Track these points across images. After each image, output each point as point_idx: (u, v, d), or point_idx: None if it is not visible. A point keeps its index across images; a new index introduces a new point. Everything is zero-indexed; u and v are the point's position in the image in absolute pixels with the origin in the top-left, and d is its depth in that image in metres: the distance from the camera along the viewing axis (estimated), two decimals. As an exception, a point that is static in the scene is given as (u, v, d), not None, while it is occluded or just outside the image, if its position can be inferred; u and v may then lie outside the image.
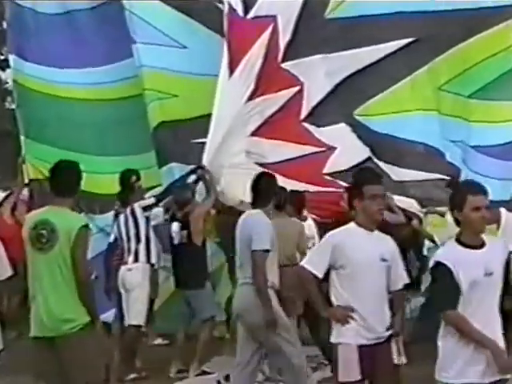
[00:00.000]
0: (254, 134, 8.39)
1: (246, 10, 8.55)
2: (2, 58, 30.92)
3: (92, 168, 9.31)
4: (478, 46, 8.45)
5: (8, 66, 23.80)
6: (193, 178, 8.38)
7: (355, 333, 4.83)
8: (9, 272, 5.49)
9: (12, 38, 10.31)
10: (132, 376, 7.70)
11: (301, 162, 8.39)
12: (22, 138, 10.19)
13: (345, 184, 7.94)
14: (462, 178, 8.14)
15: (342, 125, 8.48)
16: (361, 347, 4.79)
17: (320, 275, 4.90)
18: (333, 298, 4.90)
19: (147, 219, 7.88)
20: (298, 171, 8.34)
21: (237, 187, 8.10)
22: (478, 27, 8.39)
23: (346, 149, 8.40)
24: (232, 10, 8.52)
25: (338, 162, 8.35)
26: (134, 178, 8.12)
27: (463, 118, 8.52)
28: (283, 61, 8.49)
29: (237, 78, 8.37)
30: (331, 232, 5.05)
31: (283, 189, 7.77)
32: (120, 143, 9.80)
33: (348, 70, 8.48)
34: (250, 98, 8.38)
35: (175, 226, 8.00)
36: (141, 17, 9.26)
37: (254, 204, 6.41)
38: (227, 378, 7.63)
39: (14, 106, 11.50)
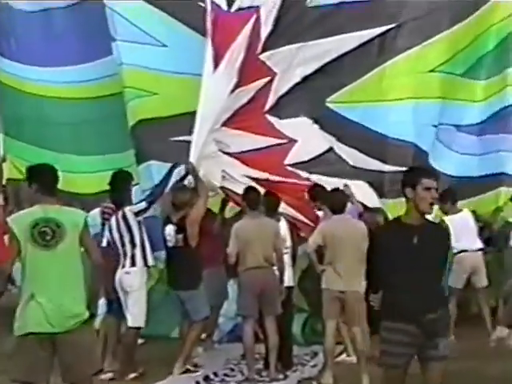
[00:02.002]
0: (222, 124, 8.48)
1: (230, 3, 8.60)
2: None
3: (70, 167, 9.51)
4: (466, 29, 8.83)
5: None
6: (182, 173, 8.28)
7: None
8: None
9: None
10: (132, 375, 7.76)
11: (263, 152, 8.56)
12: (1, 136, 10.39)
13: (306, 175, 8.46)
14: (432, 158, 8.74)
15: (304, 118, 8.66)
16: None
17: None
18: None
19: (139, 223, 7.89)
20: (260, 161, 8.51)
21: (212, 175, 8.25)
22: (463, 12, 8.82)
23: (306, 141, 8.61)
24: (215, 5, 8.55)
25: (298, 154, 8.58)
26: (129, 179, 8.17)
27: (455, 99, 8.98)
28: (262, 52, 8.57)
29: (221, 72, 8.42)
30: None
31: (255, 190, 7.93)
32: (98, 142, 9.86)
33: (324, 57, 8.64)
34: (233, 91, 8.46)
35: (170, 228, 7.92)
36: (122, 15, 9.25)
37: None
38: (206, 378, 7.74)
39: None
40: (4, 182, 10.35)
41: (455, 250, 8.83)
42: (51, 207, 5.36)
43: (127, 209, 7.85)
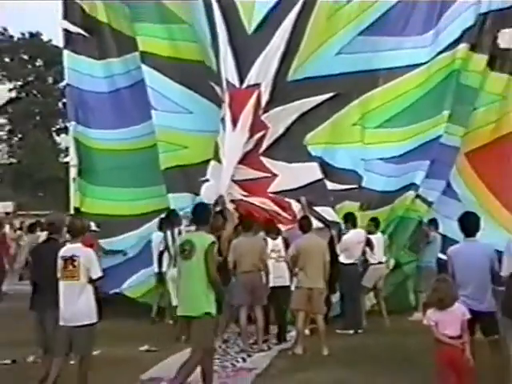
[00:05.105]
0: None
1: (241, 80, 11.63)
2: (58, 127, 36.13)
3: (130, 197, 12.34)
4: (381, 94, 11.85)
5: (63, 133, 27.05)
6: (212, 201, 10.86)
7: None
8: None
9: (72, 111, 13.04)
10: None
11: (254, 181, 11.52)
12: (75, 181, 12.91)
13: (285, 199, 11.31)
14: (365, 180, 11.64)
15: (282, 162, 11.61)
16: None
17: None
18: None
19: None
20: (252, 188, 11.45)
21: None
22: (378, 82, 11.81)
23: (283, 178, 11.51)
24: (230, 84, 11.62)
25: (278, 185, 11.50)
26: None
27: (369, 143, 11.88)
28: (263, 114, 11.60)
29: (238, 131, 11.46)
30: None
31: (249, 217, 10.04)
32: (147, 177, 12.35)
33: (296, 114, 11.66)
34: (246, 143, 11.48)
35: None
36: (159, 91, 12.17)
37: None
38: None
39: (66, 160, 13.71)
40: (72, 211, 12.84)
41: (375, 261, 11.05)
42: (195, 233, 7.29)
43: (177, 230, 10.15)
